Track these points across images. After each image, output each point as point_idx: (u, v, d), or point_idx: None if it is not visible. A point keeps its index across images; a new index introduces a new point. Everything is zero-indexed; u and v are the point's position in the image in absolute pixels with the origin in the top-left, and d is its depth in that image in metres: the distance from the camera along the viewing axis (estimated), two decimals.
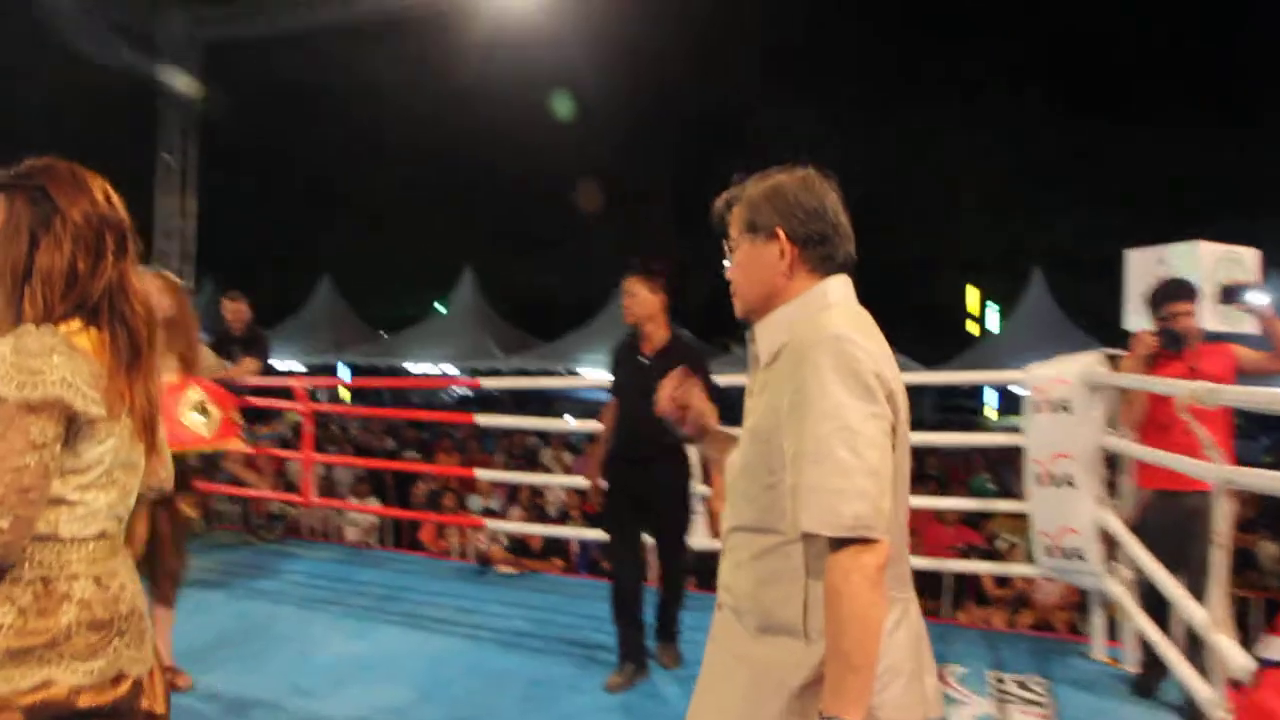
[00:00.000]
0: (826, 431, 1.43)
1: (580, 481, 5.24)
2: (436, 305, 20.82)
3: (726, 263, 1.71)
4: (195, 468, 3.80)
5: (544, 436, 12.27)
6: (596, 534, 4.88)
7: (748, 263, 1.65)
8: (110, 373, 1.54)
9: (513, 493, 8.78)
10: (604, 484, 3.99)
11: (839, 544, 1.41)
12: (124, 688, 1.56)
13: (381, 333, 19.77)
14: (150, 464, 1.70)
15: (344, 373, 19.01)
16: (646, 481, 3.87)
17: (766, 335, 1.64)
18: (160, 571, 3.75)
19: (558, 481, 7.65)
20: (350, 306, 19.68)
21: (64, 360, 1.46)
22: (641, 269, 3.87)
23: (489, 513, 7.68)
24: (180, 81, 11.89)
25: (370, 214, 30.69)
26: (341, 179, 30.83)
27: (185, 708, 3.51)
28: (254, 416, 6.68)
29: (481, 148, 27.19)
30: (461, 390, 23.55)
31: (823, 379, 1.45)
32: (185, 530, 3.82)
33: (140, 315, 1.61)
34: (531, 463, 10.37)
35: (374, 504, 8.10)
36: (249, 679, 3.84)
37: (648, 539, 4.09)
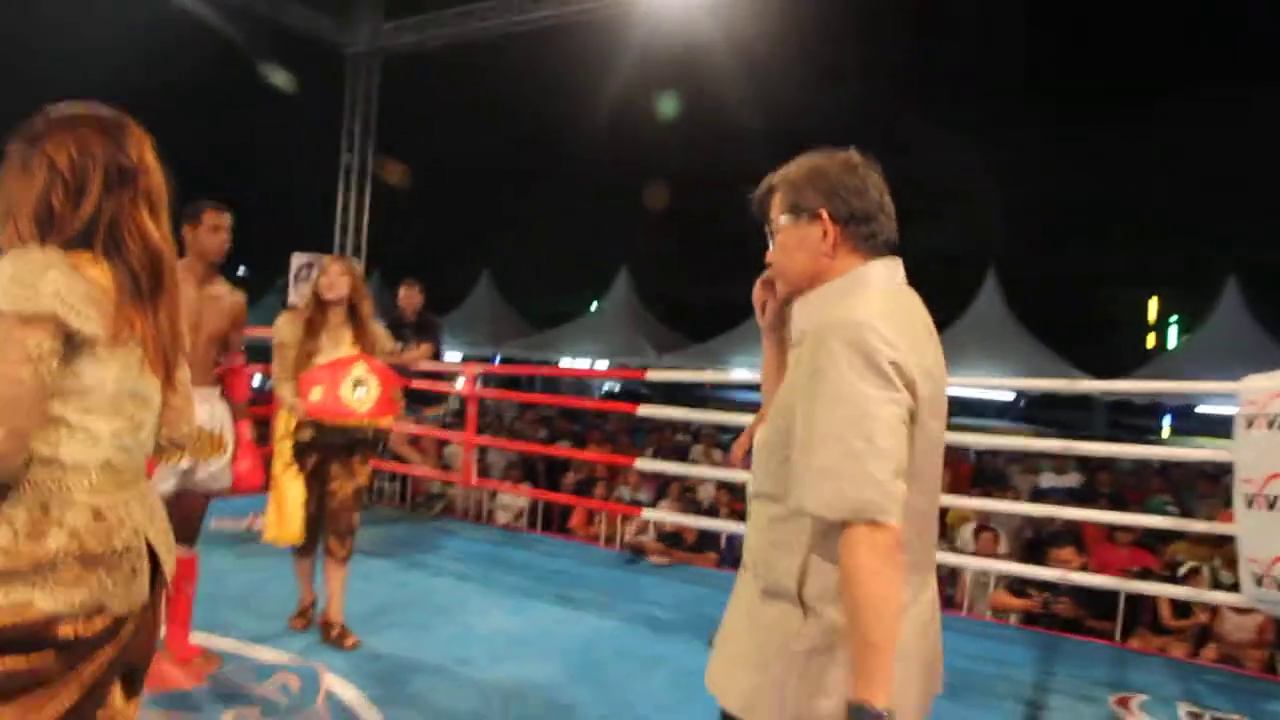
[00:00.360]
0: (839, 416, 1.44)
1: (736, 475, 5.20)
2: (592, 303, 21.21)
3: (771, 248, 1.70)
4: (365, 439, 4.00)
5: (695, 434, 12.42)
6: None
7: (790, 245, 1.65)
8: (117, 301, 1.55)
9: (662, 487, 8.82)
10: None
11: (848, 526, 1.43)
12: (101, 623, 1.52)
13: (537, 328, 20.32)
14: (169, 408, 1.70)
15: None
16: None
17: (800, 315, 1.64)
18: (333, 530, 3.98)
19: (712, 475, 7.62)
20: (508, 301, 20.33)
21: (59, 276, 1.47)
22: None
23: (639, 504, 7.73)
24: (360, 87, 12.56)
25: (533, 213, 31.61)
26: (506, 179, 31.95)
27: (355, 666, 3.67)
28: (421, 399, 6.99)
29: (644, 149, 27.53)
30: (609, 387, 23.97)
31: (837, 363, 1.46)
32: (360, 494, 4.04)
33: (137, 254, 1.60)
34: (681, 459, 10.38)
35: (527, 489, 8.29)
36: (412, 644, 3.99)
37: None
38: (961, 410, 13.41)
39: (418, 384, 6.90)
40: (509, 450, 8.68)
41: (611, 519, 7.31)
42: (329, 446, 3.92)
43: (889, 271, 1.62)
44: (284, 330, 3.90)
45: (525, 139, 30.55)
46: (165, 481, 3.38)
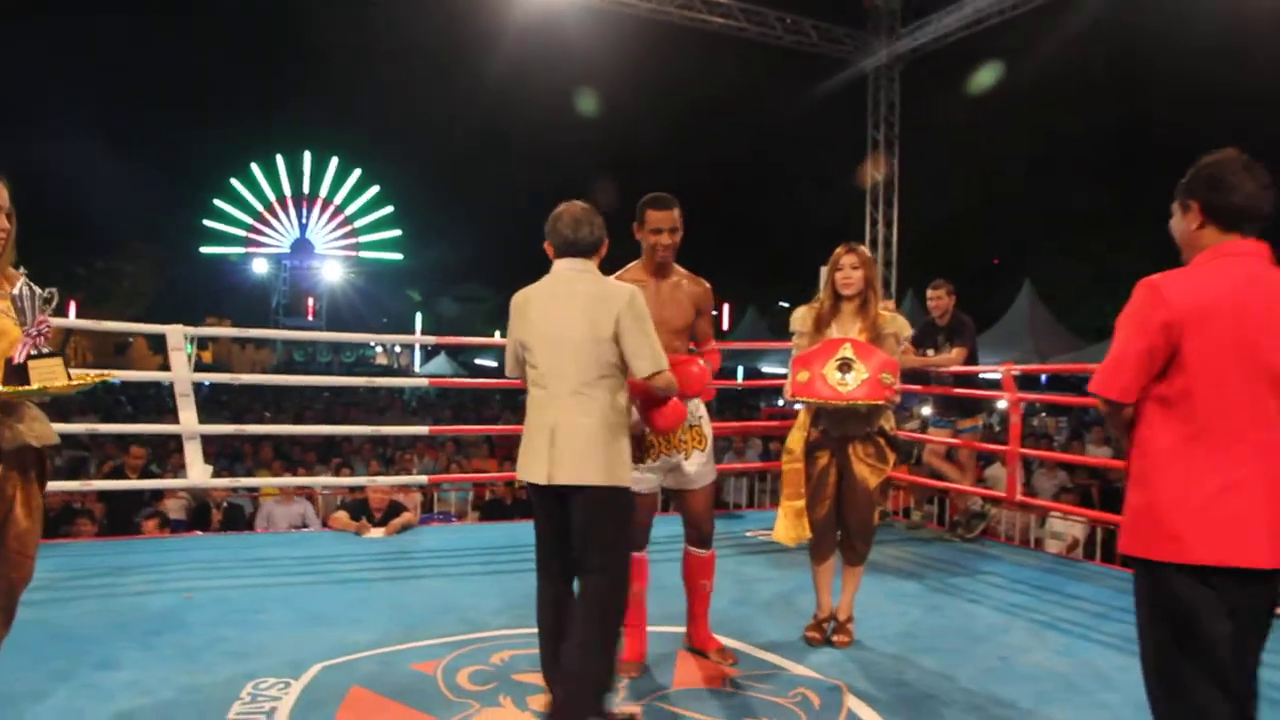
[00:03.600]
0: None
1: None
2: None
3: None
4: (873, 433, 3.78)
5: None
6: None
7: None
8: None
9: None
10: None
11: None
12: None
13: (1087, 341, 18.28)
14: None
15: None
16: None
17: None
18: (846, 528, 3.84)
19: None
20: (1051, 313, 18.63)
21: None
22: None
23: None
24: (883, 102, 12.43)
25: (1080, 218, 28.77)
26: (1041, 187, 29.60)
27: (881, 690, 3.34)
28: (957, 408, 6.47)
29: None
30: None
31: None
32: (874, 492, 3.79)
33: None
34: None
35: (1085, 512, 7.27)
36: (945, 674, 3.53)
37: None
38: None
39: (953, 390, 6.42)
40: (1059, 473, 7.74)
41: None
42: (840, 440, 3.74)
43: None
44: (797, 320, 3.90)
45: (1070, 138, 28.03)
46: (645, 481, 3.38)
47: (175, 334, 5.31)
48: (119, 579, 4.58)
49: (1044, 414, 16.18)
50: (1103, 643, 4.00)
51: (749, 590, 4.69)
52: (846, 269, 3.76)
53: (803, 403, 3.73)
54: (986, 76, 19.24)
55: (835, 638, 3.86)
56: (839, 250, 3.83)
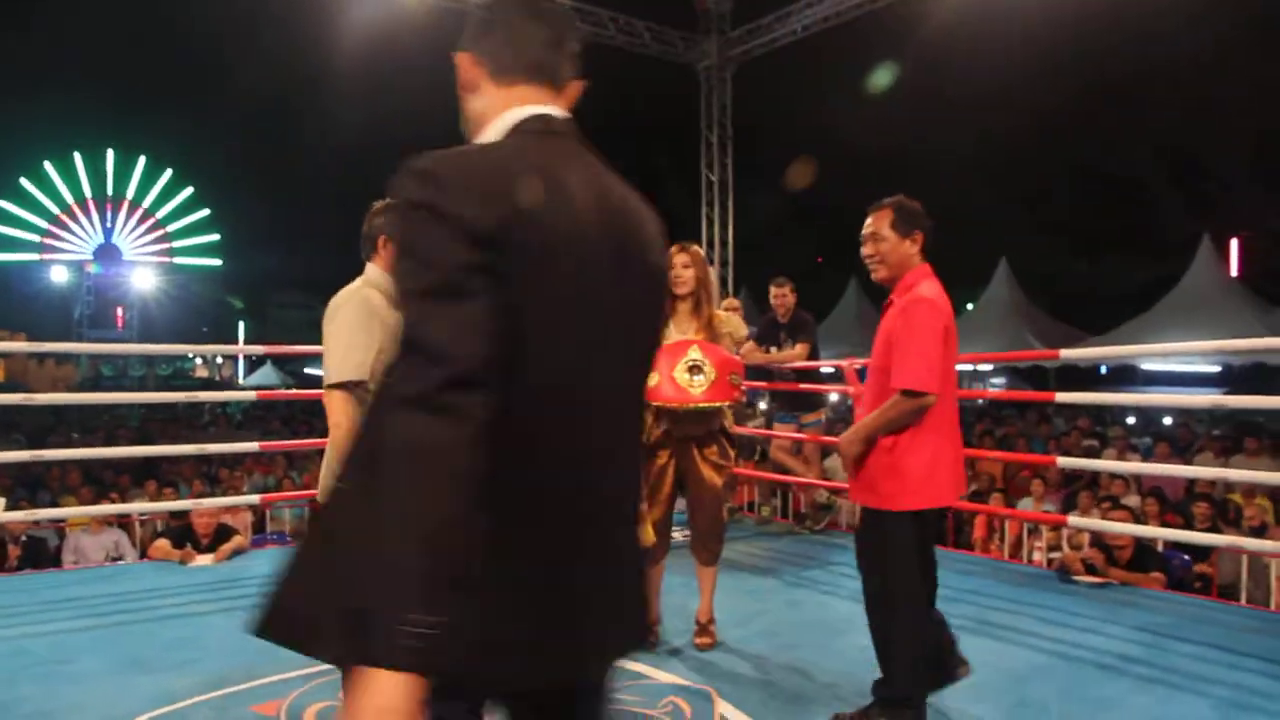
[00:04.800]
0: None
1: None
2: (967, 304, 19.78)
3: None
4: (715, 431, 3.75)
5: (1103, 438, 10.90)
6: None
7: None
8: None
9: (1071, 496, 7.68)
10: None
11: None
12: None
13: None
14: None
15: None
16: None
17: None
18: (695, 529, 3.83)
19: (1148, 471, 6.37)
20: (875, 306, 19.54)
21: None
22: None
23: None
24: (715, 100, 12.63)
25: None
26: (867, 171, 31.15)
27: (749, 694, 3.31)
28: (800, 404, 6.60)
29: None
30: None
31: None
32: (721, 492, 3.79)
33: None
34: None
35: None
36: (811, 670, 3.54)
37: None
38: None
39: (796, 386, 6.54)
40: None
41: (1013, 531, 6.41)
42: (681, 441, 3.69)
43: None
44: None
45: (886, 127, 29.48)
46: None
47: None
48: None
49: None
50: (962, 629, 4.09)
51: None
52: (678, 268, 3.70)
53: (654, 407, 3.63)
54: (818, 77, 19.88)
55: (698, 640, 3.82)
56: (672, 249, 3.76)
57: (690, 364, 3.54)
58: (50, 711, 3.12)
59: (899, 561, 2.87)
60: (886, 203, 2.94)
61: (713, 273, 3.89)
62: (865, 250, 2.96)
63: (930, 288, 2.85)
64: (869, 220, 2.96)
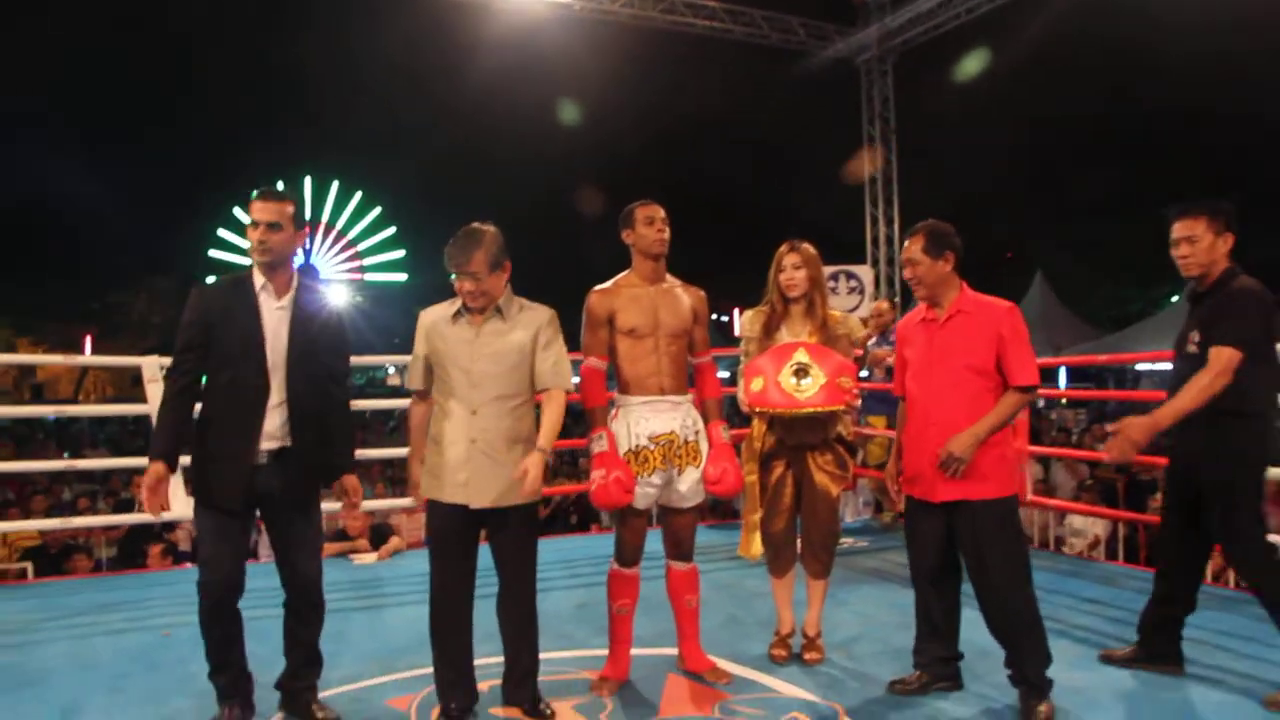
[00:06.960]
0: None
1: None
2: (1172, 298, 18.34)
3: None
4: (831, 440, 3.58)
5: None
6: None
7: None
8: None
9: None
10: None
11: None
12: None
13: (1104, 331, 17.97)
14: None
15: (1063, 375, 17.67)
16: None
17: None
18: (807, 541, 3.64)
19: None
20: (1065, 304, 18.32)
21: None
22: None
23: None
24: (876, 96, 12.25)
25: (1089, 203, 28.41)
26: (1050, 167, 29.37)
27: (874, 714, 3.13)
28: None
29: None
30: None
31: None
32: (836, 501, 3.63)
33: None
34: None
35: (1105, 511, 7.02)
36: (952, 695, 3.31)
37: None
38: None
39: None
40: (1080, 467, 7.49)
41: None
42: (795, 449, 3.54)
43: None
44: (745, 325, 3.68)
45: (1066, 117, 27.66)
46: (644, 496, 3.28)
47: (150, 365, 5.19)
48: (99, 617, 4.42)
49: (1063, 406, 15.89)
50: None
51: (746, 606, 4.48)
52: (789, 269, 3.54)
53: (759, 413, 3.51)
54: (977, 64, 18.87)
55: (806, 655, 3.65)
56: (781, 249, 3.61)
57: (796, 367, 3.38)
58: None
59: (1018, 543, 3.14)
60: (919, 228, 3.20)
61: (825, 271, 3.71)
62: (904, 274, 3.28)
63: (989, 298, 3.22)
64: (905, 245, 3.27)
